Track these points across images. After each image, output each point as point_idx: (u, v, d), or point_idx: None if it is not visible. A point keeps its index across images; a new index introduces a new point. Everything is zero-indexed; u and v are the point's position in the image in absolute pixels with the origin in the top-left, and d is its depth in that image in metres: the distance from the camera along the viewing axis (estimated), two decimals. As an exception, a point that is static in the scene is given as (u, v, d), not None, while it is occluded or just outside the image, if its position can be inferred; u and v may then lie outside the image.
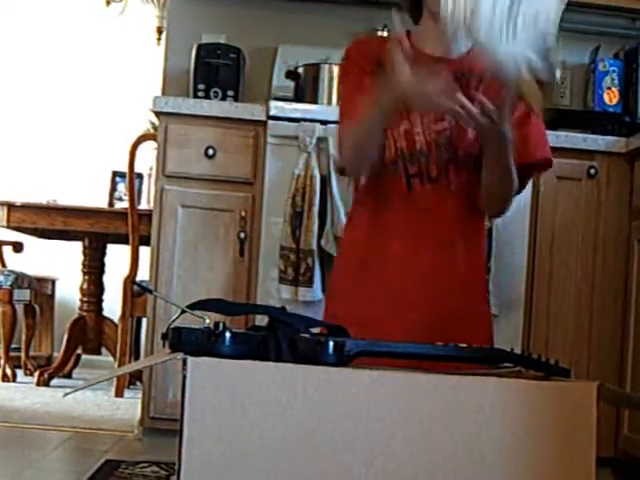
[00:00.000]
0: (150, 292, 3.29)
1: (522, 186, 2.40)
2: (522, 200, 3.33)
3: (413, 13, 2.45)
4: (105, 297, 5.54)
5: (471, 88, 2.29)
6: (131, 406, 4.44)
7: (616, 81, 4.00)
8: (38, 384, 5.15)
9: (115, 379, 4.92)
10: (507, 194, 2.38)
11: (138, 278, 4.87)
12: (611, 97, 3.99)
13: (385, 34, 4.06)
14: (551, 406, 1.79)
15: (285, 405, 1.65)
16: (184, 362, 1.62)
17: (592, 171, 3.48)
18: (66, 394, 1.85)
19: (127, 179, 4.94)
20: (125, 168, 4.92)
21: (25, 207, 5.12)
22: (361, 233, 2.39)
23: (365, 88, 2.30)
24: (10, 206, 5.07)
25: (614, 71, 4.00)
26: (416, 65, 2.27)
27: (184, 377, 1.60)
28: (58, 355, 5.46)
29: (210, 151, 3.39)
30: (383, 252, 2.33)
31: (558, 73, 3.67)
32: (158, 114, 3.45)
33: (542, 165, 2.45)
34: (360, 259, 2.40)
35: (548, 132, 3.41)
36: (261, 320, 2.39)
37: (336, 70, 3.74)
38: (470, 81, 2.33)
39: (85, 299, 5.49)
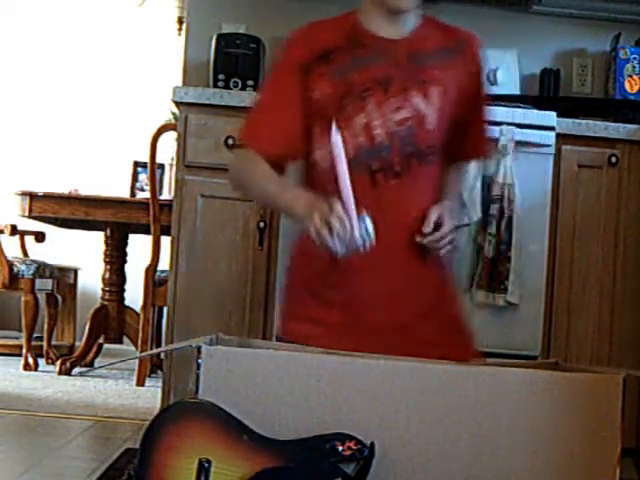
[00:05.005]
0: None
1: None
2: (543, 188, 3.32)
3: None
4: (127, 286, 5.56)
5: (427, 68, 2.27)
6: (152, 395, 4.47)
7: (637, 69, 3.97)
8: (60, 373, 5.16)
9: (137, 368, 4.93)
10: None
11: (159, 268, 4.89)
12: (632, 85, 3.97)
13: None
14: (576, 397, 1.77)
15: (299, 395, 1.65)
16: (198, 350, 1.62)
17: (613, 159, 3.46)
18: (81, 373, 1.86)
19: (148, 169, 4.95)
20: (146, 158, 4.93)
21: (47, 197, 5.13)
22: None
23: (287, 96, 2.25)
24: (32, 196, 5.09)
25: (635, 59, 3.97)
26: (369, 47, 2.26)
27: (198, 365, 1.61)
28: (80, 344, 5.48)
29: (230, 141, 3.39)
30: (345, 263, 2.12)
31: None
32: (178, 104, 3.45)
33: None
34: (318, 273, 2.26)
35: (569, 120, 3.42)
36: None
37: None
38: (425, 61, 2.28)
39: (107, 288, 5.50)
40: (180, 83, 4.13)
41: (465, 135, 2.39)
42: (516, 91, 4.04)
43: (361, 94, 2.23)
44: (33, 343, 5.50)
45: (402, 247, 2.23)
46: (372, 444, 1.65)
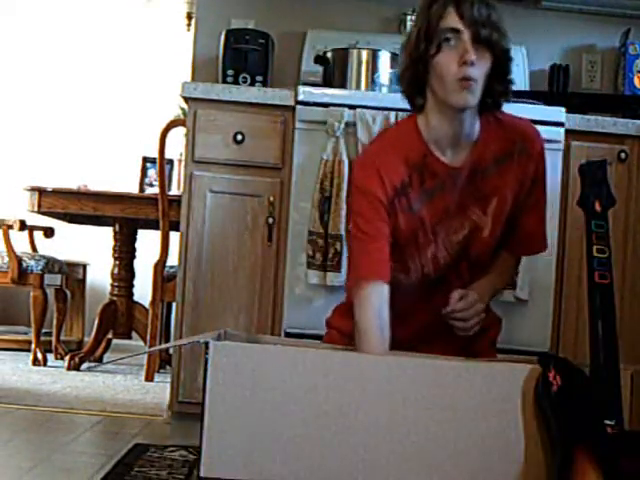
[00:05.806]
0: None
1: None
2: (552, 184, 3.31)
3: (413, 97, 2.45)
4: (136, 282, 5.57)
5: (485, 180, 2.44)
6: (160, 390, 4.47)
7: (646, 65, 3.97)
8: (68, 368, 5.17)
9: (146, 363, 4.94)
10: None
11: (168, 263, 4.89)
12: (642, 81, 3.96)
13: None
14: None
15: (306, 390, 1.65)
16: (206, 345, 1.63)
17: (623, 155, 3.45)
18: (89, 368, 1.86)
19: (157, 165, 4.95)
20: (155, 154, 4.93)
21: (56, 192, 5.14)
22: None
23: (380, 232, 2.39)
24: (41, 191, 5.10)
25: (645, 54, 3.97)
26: (437, 177, 2.42)
27: (206, 361, 1.61)
28: (89, 339, 5.49)
29: (239, 136, 3.38)
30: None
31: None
32: (187, 100, 3.45)
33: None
34: None
35: (578, 116, 3.41)
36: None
37: (365, 54, 3.73)
38: (484, 174, 2.45)
39: (116, 284, 5.51)
40: (189, 78, 4.13)
41: (518, 231, 2.56)
42: (525, 87, 4.04)
43: (431, 227, 2.44)
44: (42, 338, 5.51)
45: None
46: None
